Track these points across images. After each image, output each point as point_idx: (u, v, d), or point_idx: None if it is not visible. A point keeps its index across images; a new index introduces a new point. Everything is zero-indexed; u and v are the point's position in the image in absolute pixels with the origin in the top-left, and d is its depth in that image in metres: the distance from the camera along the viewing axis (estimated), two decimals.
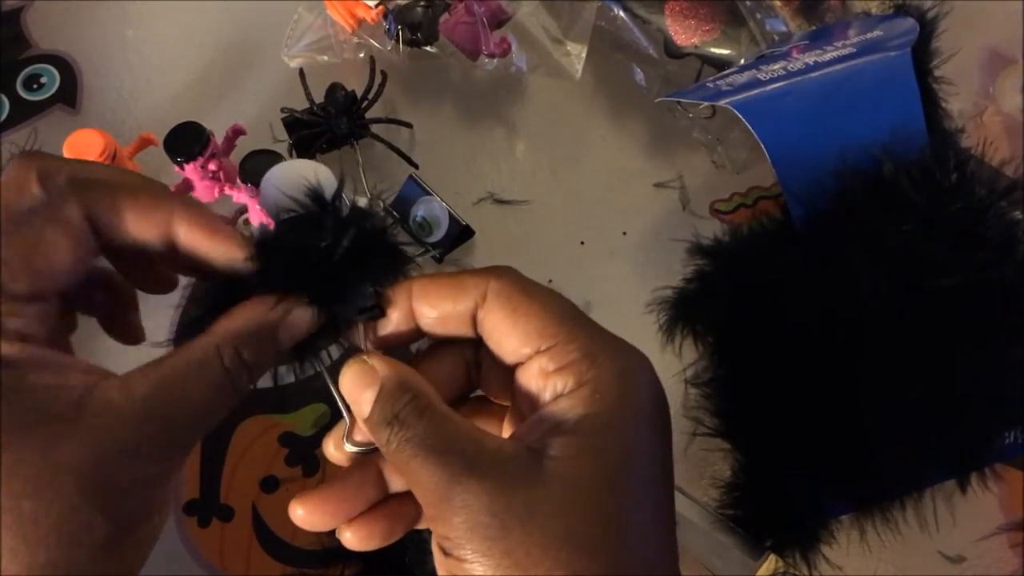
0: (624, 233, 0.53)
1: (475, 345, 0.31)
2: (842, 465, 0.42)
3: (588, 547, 0.25)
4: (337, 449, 0.31)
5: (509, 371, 0.29)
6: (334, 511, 0.30)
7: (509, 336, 0.29)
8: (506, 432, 0.31)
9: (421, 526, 0.31)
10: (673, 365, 0.48)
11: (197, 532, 0.45)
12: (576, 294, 0.50)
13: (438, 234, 0.51)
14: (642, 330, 0.49)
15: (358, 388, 0.28)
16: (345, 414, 0.30)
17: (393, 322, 0.30)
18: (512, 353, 0.29)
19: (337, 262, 0.28)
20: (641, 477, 0.26)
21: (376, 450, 0.30)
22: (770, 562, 0.41)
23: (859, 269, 0.42)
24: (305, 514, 0.29)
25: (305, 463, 0.47)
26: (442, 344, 0.31)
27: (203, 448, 0.47)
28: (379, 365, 0.28)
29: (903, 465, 0.43)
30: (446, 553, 0.26)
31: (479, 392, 0.32)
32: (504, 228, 0.53)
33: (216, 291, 0.29)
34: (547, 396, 0.28)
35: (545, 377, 0.28)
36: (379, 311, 0.30)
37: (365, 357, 0.29)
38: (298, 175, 0.29)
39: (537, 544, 0.24)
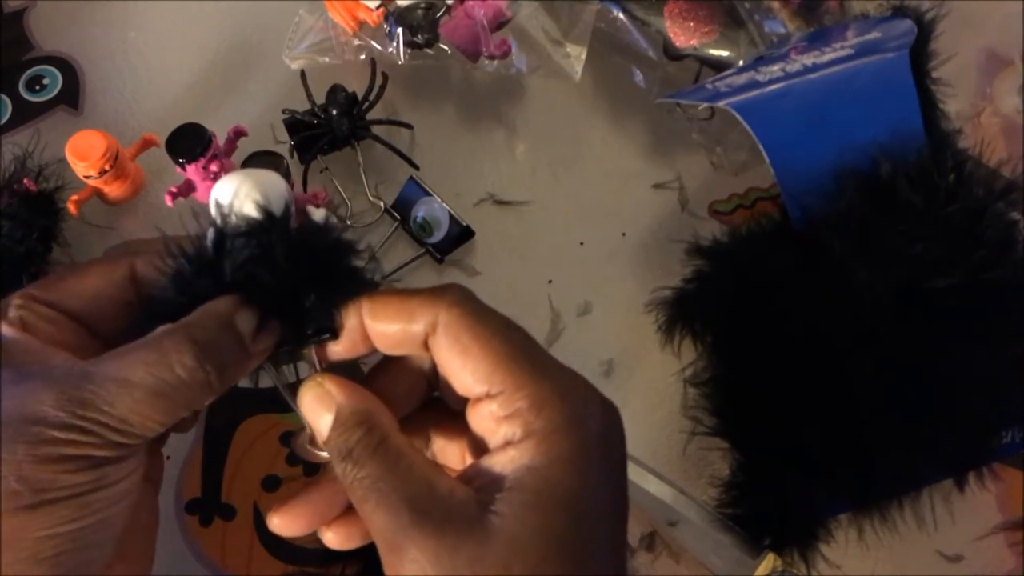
0: (623, 234, 0.53)
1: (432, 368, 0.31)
2: (840, 464, 0.43)
3: None
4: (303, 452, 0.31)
5: (460, 399, 0.29)
6: (310, 517, 0.31)
7: (458, 374, 0.28)
8: (470, 455, 0.31)
9: None
10: (672, 365, 0.49)
11: (199, 531, 0.45)
12: (576, 294, 0.51)
13: (438, 235, 0.51)
14: (641, 330, 0.49)
15: (316, 413, 0.29)
16: (305, 419, 0.30)
17: (344, 340, 0.30)
18: (461, 390, 0.29)
19: (284, 281, 0.28)
20: (587, 532, 0.26)
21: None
22: (768, 560, 0.41)
23: (857, 269, 0.42)
24: (281, 523, 0.30)
25: (306, 463, 0.47)
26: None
27: (204, 447, 0.47)
28: (335, 391, 0.29)
29: (901, 464, 0.43)
30: None
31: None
32: (504, 229, 0.53)
33: (171, 302, 0.29)
34: (496, 441, 0.28)
35: (496, 421, 0.28)
36: (331, 332, 0.29)
37: (321, 380, 0.29)
38: (249, 187, 0.29)
39: None
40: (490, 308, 0.29)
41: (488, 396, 0.28)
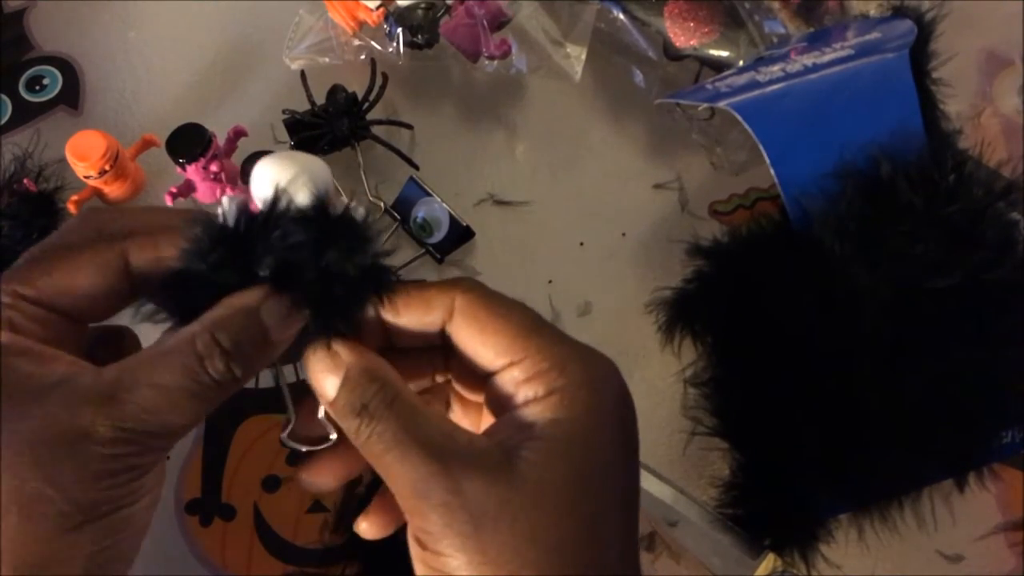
0: (623, 234, 0.53)
1: (443, 349, 0.31)
2: (840, 464, 0.43)
3: (555, 548, 0.25)
4: (311, 423, 0.31)
5: (480, 377, 0.30)
6: (336, 472, 0.31)
7: (479, 352, 0.29)
8: (484, 422, 0.31)
9: None
10: (672, 365, 0.49)
11: (199, 531, 0.45)
12: (576, 295, 0.51)
13: (439, 235, 0.51)
14: (641, 330, 0.49)
15: (323, 375, 0.28)
16: (290, 409, 0.31)
17: (363, 336, 0.30)
18: (483, 366, 0.29)
19: (322, 273, 0.28)
20: (609, 481, 0.27)
21: (308, 452, 0.31)
22: (769, 561, 0.41)
23: (857, 270, 0.42)
24: (308, 477, 0.31)
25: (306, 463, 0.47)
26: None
27: (204, 447, 0.47)
28: (344, 352, 0.28)
29: (901, 464, 0.43)
30: (423, 546, 0.26)
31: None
32: (504, 229, 0.53)
33: (192, 285, 0.28)
34: (519, 400, 0.28)
35: (516, 385, 0.28)
36: (351, 326, 0.29)
37: (328, 343, 0.29)
38: (295, 172, 0.28)
39: (508, 544, 0.25)
40: (501, 293, 0.30)
41: (509, 365, 0.28)
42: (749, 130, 0.45)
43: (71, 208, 0.50)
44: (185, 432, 0.28)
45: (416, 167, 0.53)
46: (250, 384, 0.48)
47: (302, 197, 0.28)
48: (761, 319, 0.44)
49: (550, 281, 0.51)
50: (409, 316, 0.30)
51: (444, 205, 0.51)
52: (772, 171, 0.45)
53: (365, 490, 0.45)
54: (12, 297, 0.28)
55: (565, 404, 0.27)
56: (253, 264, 0.28)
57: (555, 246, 0.53)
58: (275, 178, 0.28)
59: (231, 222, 0.28)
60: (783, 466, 0.43)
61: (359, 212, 0.29)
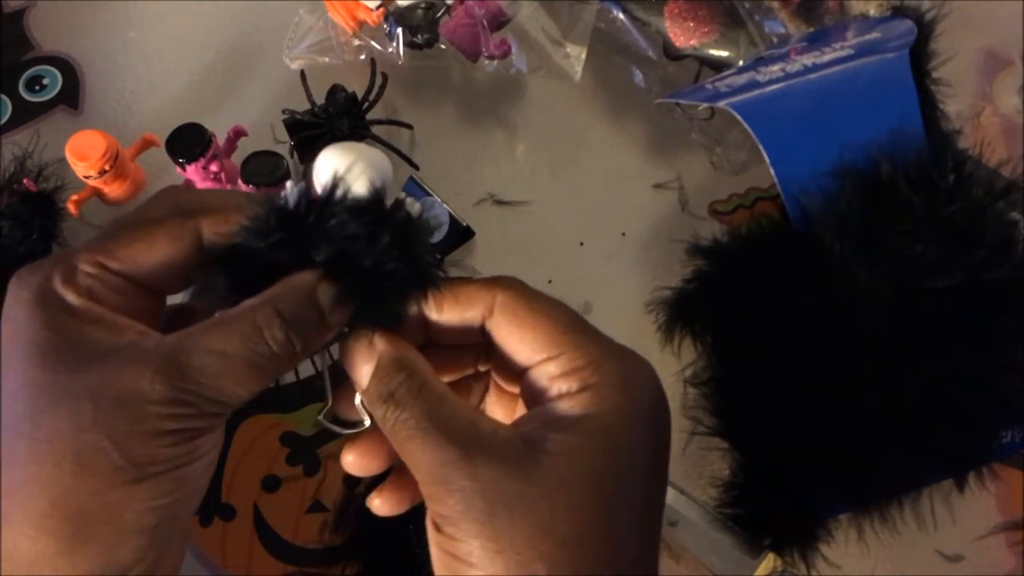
0: (623, 234, 0.53)
1: (484, 345, 0.31)
2: (840, 464, 0.43)
3: (570, 543, 0.26)
4: (348, 409, 0.31)
5: (518, 370, 0.30)
6: (379, 453, 0.31)
7: (517, 347, 0.29)
8: (519, 413, 0.32)
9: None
10: (672, 365, 0.49)
11: (199, 531, 0.45)
12: (576, 295, 0.51)
13: (438, 235, 0.51)
14: (641, 330, 0.49)
15: (357, 362, 0.29)
16: (328, 392, 0.31)
17: (405, 329, 0.30)
18: (521, 361, 0.30)
19: (376, 264, 0.28)
20: (631, 482, 0.27)
21: (344, 432, 0.31)
22: (768, 561, 0.41)
23: (857, 270, 0.42)
24: (354, 459, 0.31)
25: (306, 462, 0.47)
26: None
27: None
28: (378, 341, 0.29)
29: (901, 464, 0.43)
30: (439, 529, 0.27)
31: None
32: (504, 229, 0.53)
33: (248, 262, 0.29)
34: (551, 394, 0.28)
35: (550, 379, 0.28)
36: (397, 320, 0.30)
37: (367, 334, 0.29)
38: (356, 162, 0.29)
39: (522, 534, 0.25)
40: (541, 291, 0.30)
41: (546, 360, 0.29)
42: (749, 130, 0.45)
43: (71, 208, 0.50)
44: (241, 402, 0.28)
45: (416, 167, 0.53)
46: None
47: (360, 187, 0.28)
48: (761, 319, 0.44)
49: (550, 281, 0.51)
50: (451, 312, 0.30)
51: (444, 205, 0.51)
52: (772, 171, 0.45)
53: (365, 490, 0.45)
54: (94, 267, 0.29)
55: (596, 401, 0.27)
56: (309, 249, 0.28)
57: (555, 246, 0.53)
58: (336, 166, 0.28)
59: (291, 205, 0.28)
60: (783, 466, 0.43)
61: (414, 208, 0.29)
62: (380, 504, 0.32)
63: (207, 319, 0.29)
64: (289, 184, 0.29)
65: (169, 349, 0.27)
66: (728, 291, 0.47)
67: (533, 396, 0.29)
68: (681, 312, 0.48)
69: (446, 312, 0.30)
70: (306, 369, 0.49)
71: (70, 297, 0.28)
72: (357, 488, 0.46)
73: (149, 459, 0.26)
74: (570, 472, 0.26)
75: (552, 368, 0.28)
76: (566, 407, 0.28)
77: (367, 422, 0.31)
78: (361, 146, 0.30)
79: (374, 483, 0.45)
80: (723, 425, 0.46)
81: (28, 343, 0.27)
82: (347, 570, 0.44)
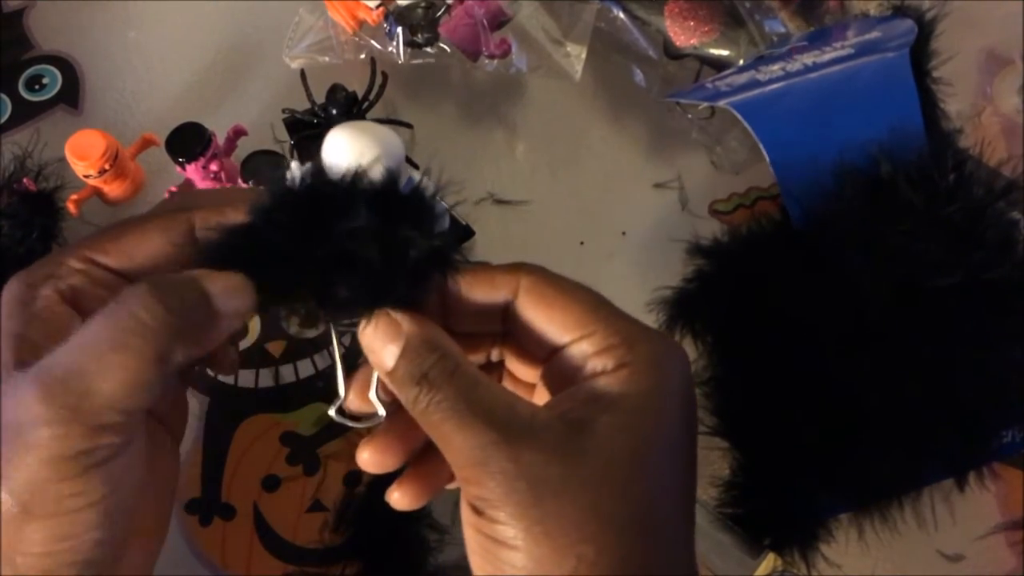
0: (623, 233, 0.53)
1: (499, 335, 0.31)
2: (841, 464, 0.43)
3: (617, 524, 0.25)
4: (362, 400, 0.31)
5: (539, 357, 0.30)
6: (396, 450, 0.30)
7: (545, 328, 0.29)
8: (537, 402, 0.31)
9: (451, 486, 0.31)
10: None
11: (198, 531, 0.45)
12: None
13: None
14: None
15: (382, 341, 0.28)
16: (340, 384, 0.30)
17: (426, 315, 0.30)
18: (549, 342, 0.29)
19: (383, 250, 0.27)
20: (670, 460, 0.27)
21: (356, 426, 0.30)
22: (769, 560, 0.41)
23: (857, 269, 0.42)
24: (370, 456, 0.30)
25: (306, 462, 0.47)
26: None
27: (204, 447, 0.47)
28: (404, 321, 0.28)
29: (901, 464, 0.43)
30: (478, 512, 0.26)
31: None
32: (504, 228, 0.53)
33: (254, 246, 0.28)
34: (587, 372, 0.28)
35: (585, 358, 0.28)
36: (415, 300, 0.29)
37: (388, 311, 0.28)
38: (368, 143, 0.28)
39: (568, 516, 0.25)
40: (564, 276, 0.30)
41: (577, 340, 0.28)
42: (749, 129, 0.45)
43: (70, 207, 0.50)
44: (135, 405, 0.26)
45: (416, 166, 0.53)
46: (249, 384, 0.48)
47: (375, 170, 0.28)
48: (761, 319, 0.44)
49: None
50: (475, 294, 0.30)
51: (444, 204, 0.51)
52: (772, 170, 0.45)
53: (365, 489, 0.45)
54: (83, 262, 0.28)
55: (634, 379, 0.27)
56: (321, 233, 0.27)
57: (555, 245, 0.53)
58: (347, 148, 0.28)
59: (297, 186, 0.28)
60: (783, 465, 0.43)
61: (429, 188, 0.29)
62: (400, 498, 0.31)
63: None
64: (294, 165, 0.28)
65: (49, 361, 0.25)
66: (728, 291, 0.46)
67: (564, 376, 0.29)
68: (681, 312, 0.48)
69: (470, 293, 0.30)
70: (306, 369, 0.49)
71: (41, 299, 0.27)
72: (357, 488, 0.46)
73: (38, 497, 0.24)
74: (613, 452, 0.26)
75: (586, 346, 0.28)
76: (605, 385, 0.27)
77: (382, 414, 0.30)
78: (371, 125, 0.29)
79: (374, 483, 0.45)
80: (723, 424, 0.46)
81: None
82: (347, 570, 0.44)
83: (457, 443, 0.26)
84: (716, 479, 0.46)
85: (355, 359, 0.30)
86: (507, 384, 0.33)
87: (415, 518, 0.43)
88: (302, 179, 0.28)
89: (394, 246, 0.27)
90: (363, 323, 0.28)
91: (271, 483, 0.46)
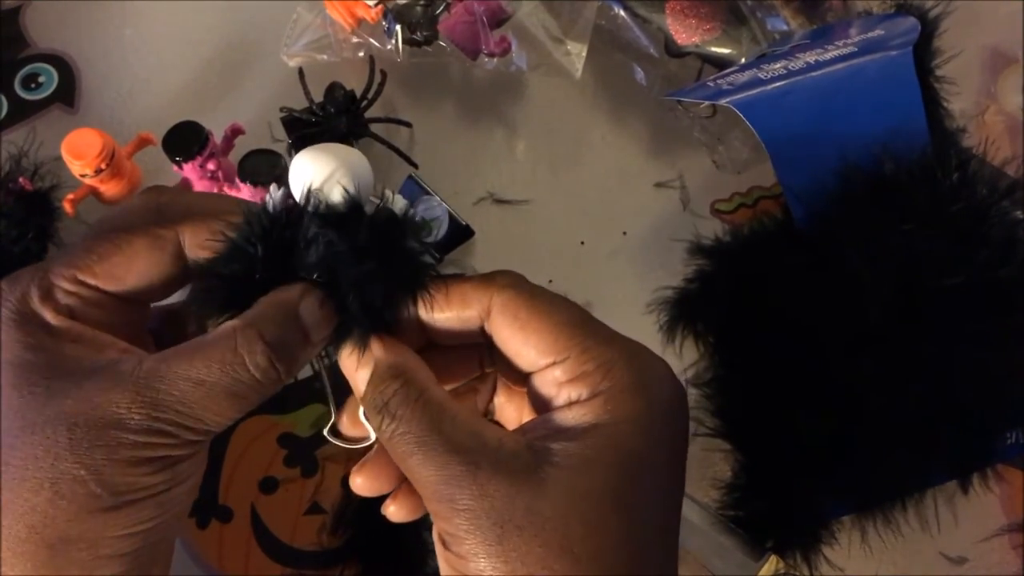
0: (624, 233, 0.53)
1: (486, 345, 0.30)
2: (843, 465, 0.42)
3: (587, 560, 0.24)
4: (354, 423, 0.31)
5: (522, 375, 0.29)
6: (388, 474, 0.30)
7: (519, 351, 0.28)
8: (527, 415, 0.30)
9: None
10: (674, 365, 0.48)
11: (195, 533, 0.45)
12: (576, 294, 0.50)
13: (438, 234, 0.50)
14: (643, 330, 0.49)
15: (353, 368, 0.28)
16: (332, 407, 0.30)
17: (401, 333, 0.29)
18: (524, 365, 0.28)
19: (352, 274, 0.27)
20: (646, 491, 0.26)
21: (350, 447, 0.30)
22: (771, 563, 0.41)
23: (860, 268, 0.42)
24: (364, 481, 0.30)
25: (304, 464, 0.47)
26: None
27: None
28: (374, 346, 0.28)
29: (905, 465, 0.43)
30: (446, 546, 0.26)
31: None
32: (504, 228, 0.53)
33: (228, 285, 0.28)
34: (559, 402, 0.27)
35: (558, 386, 0.27)
36: (386, 323, 0.29)
37: (365, 340, 0.28)
38: (332, 167, 0.28)
39: (534, 553, 0.24)
40: (542, 287, 0.29)
41: (551, 365, 0.27)
42: (752, 128, 0.45)
43: (67, 207, 0.49)
44: (222, 428, 0.28)
45: (415, 165, 0.53)
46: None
47: (336, 194, 0.28)
48: (764, 319, 0.44)
49: (550, 280, 0.51)
50: (446, 314, 0.29)
51: (443, 203, 0.50)
52: (774, 169, 0.45)
53: None
54: (73, 284, 0.29)
55: (608, 409, 0.26)
56: (291, 261, 0.28)
57: (555, 245, 0.53)
58: (311, 172, 0.28)
59: (273, 212, 0.28)
60: (785, 467, 0.43)
61: (398, 206, 0.28)
62: (396, 511, 0.30)
63: (189, 339, 0.28)
64: (272, 188, 0.28)
65: (147, 375, 0.26)
66: (730, 291, 0.46)
67: (541, 402, 0.28)
68: (683, 312, 0.48)
69: (440, 313, 0.29)
70: (304, 370, 0.48)
71: (48, 316, 0.28)
72: None
73: (127, 487, 0.26)
74: (583, 485, 0.25)
75: (558, 374, 0.27)
76: (576, 416, 0.26)
77: (373, 436, 0.29)
78: (335, 147, 0.29)
79: None
80: (725, 426, 0.45)
81: (6, 364, 0.27)
82: (345, 572, 0.44)
83: (423, 476, 0.26)
84: (718, 481, 0.45)
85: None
86: (502, 395, 0.32)
87: (414, 521, 0.43)
88: (272, 204, 0.28)
89: (347, 264, 0.27)
90: (341, 349, 0.29)
91: (269, 485, 0.46)
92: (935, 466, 0.44)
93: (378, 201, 0.29)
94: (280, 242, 0.28)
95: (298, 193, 0.28)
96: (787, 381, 0.43)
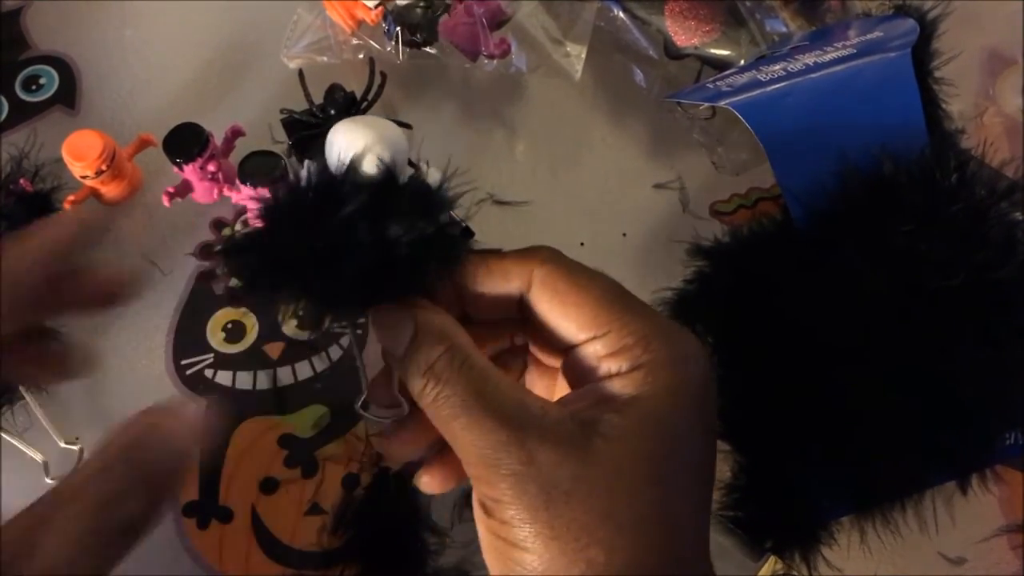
0: (624, 234, 0.53)
1: (521, 320, 0.30)
2: (842, 466, 0.42)
3: (628, 528, 0.25)
4: (385, 394, 0.30)
5: (558, 350, 0.29)
6: (420, 439, 0.30)
7: (559, 324, 0.28)
8: (559, 389, 0.31)
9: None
10: None
11: (196, 534, 0.45)
12: None
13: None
14: None
15: (392, 329, 0.28)
16: (363, 380, 0.30)
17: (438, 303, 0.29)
18: (563, 339, 0.28)
19: (383, 243, 0.27)
20: (685, 464, 0.27)
21: (380, 420, 0.30)
22: (770, 563, 0.41)
23: (859, 270, 0.42)
24: (397, 448, 0.30)
25: (304, 464, 0.47)
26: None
27: (202, 449, 0.47)
28: (419, 310, 0.28)
29: (904, 466, 0.43)
30: (489, 513, 0.26)
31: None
32: (504, 229, 0.53)
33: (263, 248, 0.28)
34: (600, 374, 0.27)
35: (599, 359, 0.27)
36: (419, 289, 0.28)
37: (403, 300, 0.28)
38: (371, 139, 0.28)
39: (579, 520, 0.25)
40: (580, 263, 0.29)
41: (591, 339, 0.28)
42: (751, 129, 0.45)
43: (68, 208, 0.49)
44: None
45: (415, 166, 0.53)
46: (247, 386, 0.48)
47: (370, 165, 0.27)
48: (763, 320, 0.44)
49: None
50: (487, 285, 0.29)
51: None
52: (774, 171, 0.45)
53: (364, 491, 0.45)
54: None
55: (648, 381, 0.26)
56: (323, 229, 0.27)
57: (555, 246, 0.52)
58: (346, 144, 0.28)
59: (306, 185, 0.27)
60: (785, 468, 0.43)
61: (433, 177, 0.28)
62: (428, 481, 0.30)
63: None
64: (307, 163, 0.28)
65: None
66: (729, 292, 0.46)
67: (579, 374, 0.28)
68: (682, 313, 0.48)
69: (481, 285, 0.29)
70: (304, 371, 0.49)
71: None
72: (356, 490, 0.45)
73: None
74: (625, 456, 0.25)
75: (599, 347, 0.27)
76: (618, 387, 0.27)
77: (405, 408, 0.29)
78: (371, 119, 0.28)
79: (373, 485, 0.45)
80: (724, 427, 0.45)
81: None
82: (345, 572, 0.44)
83: (467, 441, 0.26)
84: (717, 482, 0.45)
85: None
86: (532, 368, 0.32)
87: (414, 521, 0.43)
88: (307, 177, 0.28)
89: (383, 235, 0.27)
90: (378, 311, 0.28)
91: (269, 486, 0.46)
92: (934, 466, 0.44)
93: (416, 173, 0.28)
94: (318, 213, 0.27)
95: (333, 165, 0.28)
96: (786, 382, 0.43)
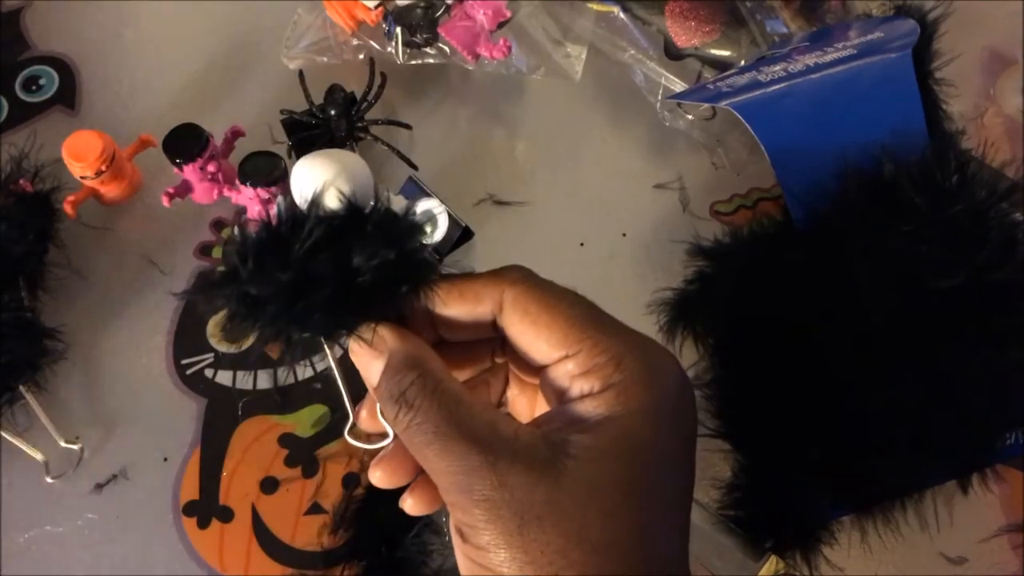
0: (624, 234, 0.53)
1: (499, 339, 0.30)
2: (843, 466, 0.42)
3: (602, 550, 0.25)
4: (372, 421, 0.30)
5: (534, 368, 0.29)
6: (406, 469, 0.30)
7: (531, 345, 0.28)
8: (540, 406, 0.31)
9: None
10: None
11: (196, 533, 0.45)
12: None
13: (438, 235, 0.50)
14: (643, 331, 0.49)
15: (366, 358, 0.28)
16: (348, 406, 0.30)
17: (414, 328, 0.30)
18: (537, 358, 0.29)
19: (350, 271, 0.27)
20: (659, 482, 0.26)
21: (369, 447, 0.30)
22: (771, 563, 0.41)
23: (859, 270, 0.42)
24: (382, 475, 0.30)
25: (305, 464, 0.47)
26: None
27: (202, 449, 0.47)
28: (388, 336, 0.28)
29: (904, 466, 0.43)
30: (464, 539, 0.26)
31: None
32: (504, 229, 0.53)
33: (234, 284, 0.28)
34: (572, 394, 0.27)
35: (570, 379, 0.27)
36: (389, 316, 0.29)
37: (376, 327, 0.28)
38: (332, 173, 0.28)
39: (552, 543, 0.25)
40: (552, 282, 0.29)
41: (564, 358, 0.28)
42: (751, 130, 0.45)
43: (67, 209, 0.49)
44: None
45: (415, 167, 0.53)
46: (248, 385, 0.48)
47: (332, 200, 0.28)
48: (763, 320, 0.44)
49: None
50: (458, 309, 0.29)
51: (443, 205, 0.50)
52: (774, 171, 0.45)
53: (365, 491, 0.45)
54: None
55: (620, 401, 0.26)
56: (287, 263, 0.27)
57: (555, 246, 0.53)
58: (309, 179, 0.28)
59: (276, 222, 0.28)
60: (785, 468, 0.43)
61: (397, 206, 0.29)
62: (413, 504, 0.30)
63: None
64: (279, 199, 0.28)
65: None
66: (730, 292, 0.46)
67: (555, 393, 0.28)
68: (682, 313, 0.48)
69: (452, 308, 0.29)
70: (304, 370, 0.49)
71: None
72: (356, 490, 0.45)
73: None
74: (599, 477, 0.25)
75: (571, 367, 0.27)
76: (590, 408, 0.27)
77: (392, 434, 0.29)
78: (332, 152, 0.29)
79: (373, 486, 0.45)
80: (725, 427, 0.45)
81: None
82: (345, 572, 0.44)
83: (440, 467, 0.26)
84: (718, 481, 0.46)
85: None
86: (514, 387, 0.32)
87: (415, 521, 0.43)
88: (278, 214, 0.28)
89: (347, 264, 0.27)
90: (351, 340, 0.28)
91: (269, 485, 0.46)
92: (935, 466, 0.44)
93: (377, 203, 0.29)
94: (275, 251, 0.28)
95: (299, 200, 0.28)
96: (786, 382, 0.43)
